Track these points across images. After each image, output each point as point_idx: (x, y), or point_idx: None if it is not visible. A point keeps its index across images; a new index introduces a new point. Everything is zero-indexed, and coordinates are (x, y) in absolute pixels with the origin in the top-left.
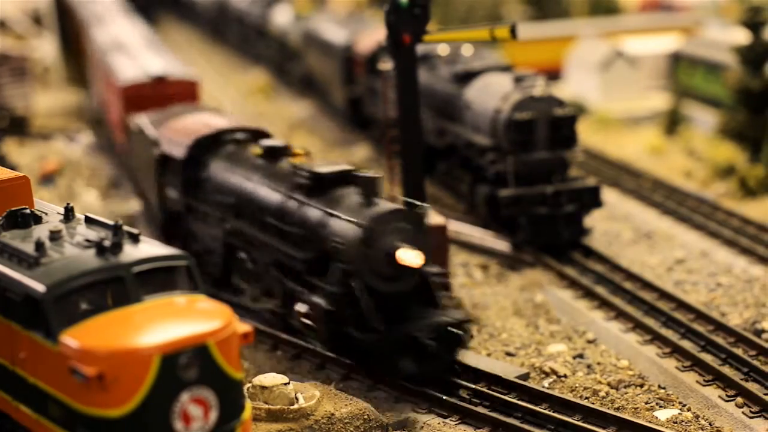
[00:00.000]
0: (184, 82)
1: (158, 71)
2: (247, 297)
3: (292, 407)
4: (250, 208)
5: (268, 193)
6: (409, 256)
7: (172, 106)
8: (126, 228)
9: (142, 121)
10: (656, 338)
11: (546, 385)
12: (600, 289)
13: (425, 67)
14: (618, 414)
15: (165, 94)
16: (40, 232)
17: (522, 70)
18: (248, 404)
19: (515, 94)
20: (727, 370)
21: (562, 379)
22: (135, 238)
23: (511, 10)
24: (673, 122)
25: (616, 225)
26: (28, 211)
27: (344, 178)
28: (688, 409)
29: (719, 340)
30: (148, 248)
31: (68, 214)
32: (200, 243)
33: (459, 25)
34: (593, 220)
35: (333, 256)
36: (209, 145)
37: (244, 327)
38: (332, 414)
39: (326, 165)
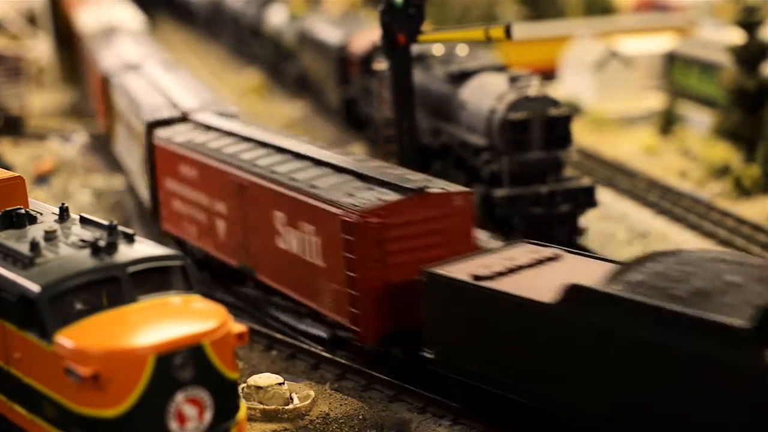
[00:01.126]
0: (453, 196)
1: (411, 182)
2: None
3: (287, 407)
4: None
5: None
6: None
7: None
8: (121, 228)
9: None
10: None
11: None
12: None
13: (420, 67)
14: None
15: (426, 221)
16: (35, 232)
17: (517, 70)
18: (243, 404)
19: (510, 94)
20: None
21: None
22: (130, 238)
23: (506, 10)
24: (667, 122)
25: (611, 225)
26: (23, 211)
27: None
28: None
29: None
30: (143, 248)
31: (63, 214)
32: None
33: (454, 25)
34: (588, 220)
35: None
36: None
37: (238, 327)
38: (327, 414)
39: None
